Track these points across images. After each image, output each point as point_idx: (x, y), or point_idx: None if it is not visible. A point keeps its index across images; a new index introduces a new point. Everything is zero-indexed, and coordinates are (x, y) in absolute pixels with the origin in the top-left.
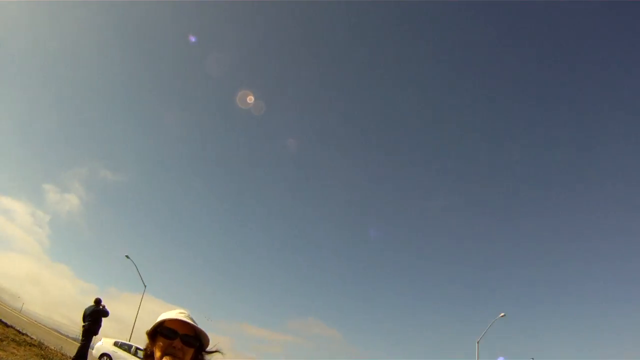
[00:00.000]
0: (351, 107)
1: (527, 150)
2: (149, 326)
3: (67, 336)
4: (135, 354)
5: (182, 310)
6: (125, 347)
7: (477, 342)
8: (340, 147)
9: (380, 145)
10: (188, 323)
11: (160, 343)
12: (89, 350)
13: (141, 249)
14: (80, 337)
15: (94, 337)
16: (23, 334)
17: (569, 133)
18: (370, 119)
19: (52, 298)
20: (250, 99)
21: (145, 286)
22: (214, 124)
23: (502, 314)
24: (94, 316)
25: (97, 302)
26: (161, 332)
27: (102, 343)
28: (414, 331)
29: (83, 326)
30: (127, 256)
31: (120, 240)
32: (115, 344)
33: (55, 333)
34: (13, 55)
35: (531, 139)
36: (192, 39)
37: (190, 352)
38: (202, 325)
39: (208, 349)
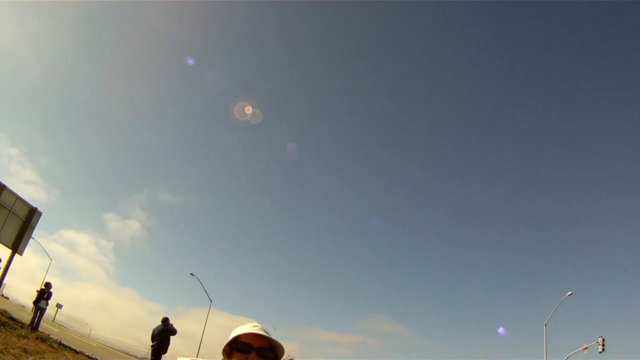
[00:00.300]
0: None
1: (597, 129)
2: (218, 339)
3: (135, 356)
4: None
5: (256, 324)
6: None
7: (545, 325)
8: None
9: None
10: (262, 335)
11: (236, 358)
12: None
13: (204, 265)
14: (150, 357)
15: (162, 355)
16: (92, 359)
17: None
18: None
19: (120, 321)
20: (247, 109)
21: (211, 301)
22: (251, 134)
23: (570, 293)
24: (163, 335)
25: (165, 321)
26: (236, 347)
27: None
28: (479, 319)
29: (152, 346)
30: (191, 274)
31: (183, 259)
32: None
33: (124, 355)
34: (68, 94)
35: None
36: (191, 61)
37: None
38: (271, 335)
39: (283, 358)
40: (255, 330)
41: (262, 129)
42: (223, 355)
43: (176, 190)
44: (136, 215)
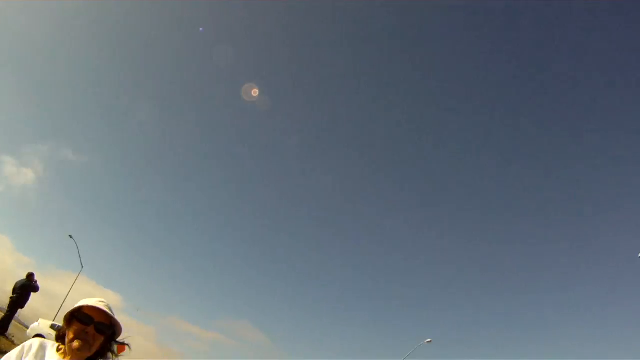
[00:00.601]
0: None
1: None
2: None
3: None
4: None
5: (102, 300)
6: None
7: None
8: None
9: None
10: (105, 312)
11: (75, 327)
12: (17, 324)
13: (87, 231)
14: (7, 308)
15: (19, 309)
16: None
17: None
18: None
19: None
20: (255, 92)
21: (82, 267)
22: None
23: (429, 340)
24: (24, 290)
25: (30, 276)
26: (78, 317)
27: (38, 324)
28: (343, 346)
29: (10, 298)
30: (70, 236)
31: (68, 220)
32: (52, 327)
33: None
34: None
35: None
36: (201, 29)
37: (100, 339)
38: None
39: (119, 339)
40: (101, 305)
41: (188, 111)
42: (63, 321)
43: (82, 149)
44: (34, 165)
